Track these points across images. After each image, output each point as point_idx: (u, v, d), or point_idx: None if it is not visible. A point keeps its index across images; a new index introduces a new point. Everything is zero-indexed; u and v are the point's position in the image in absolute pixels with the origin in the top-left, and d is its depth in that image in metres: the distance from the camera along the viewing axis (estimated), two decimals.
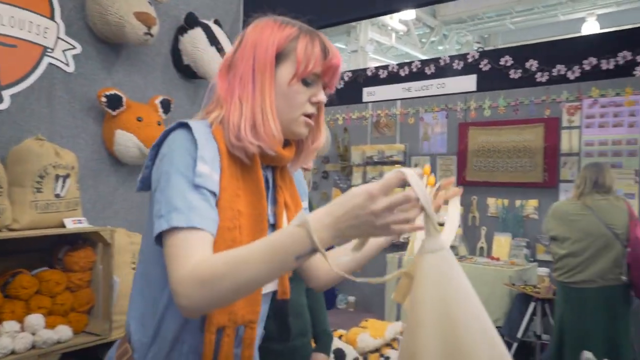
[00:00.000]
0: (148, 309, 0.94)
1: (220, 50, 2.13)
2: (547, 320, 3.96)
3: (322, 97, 0.94)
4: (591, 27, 7.43)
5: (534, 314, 3.97)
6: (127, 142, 1.99)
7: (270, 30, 0.92)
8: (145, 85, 2.20)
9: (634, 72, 2.94)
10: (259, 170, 0.93)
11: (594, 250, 3.04)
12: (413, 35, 9.80)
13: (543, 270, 4.12)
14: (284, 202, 1.00)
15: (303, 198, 1.11)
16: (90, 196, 2.05)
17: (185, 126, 0.89)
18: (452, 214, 0.92)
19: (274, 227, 0.99)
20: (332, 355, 1.70)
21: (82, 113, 1.99)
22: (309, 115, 0.94)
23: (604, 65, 3.09)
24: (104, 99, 1.94)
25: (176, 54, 2.26)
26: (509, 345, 3.98)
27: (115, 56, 2.09)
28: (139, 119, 2.01)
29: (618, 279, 3.00)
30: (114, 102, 1.94)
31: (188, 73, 2.29)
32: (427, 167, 0.88)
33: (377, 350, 2.04)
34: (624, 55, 2.99)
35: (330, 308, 5.82)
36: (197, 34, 2.16)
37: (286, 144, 0.98)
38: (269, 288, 1.00)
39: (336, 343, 1.71)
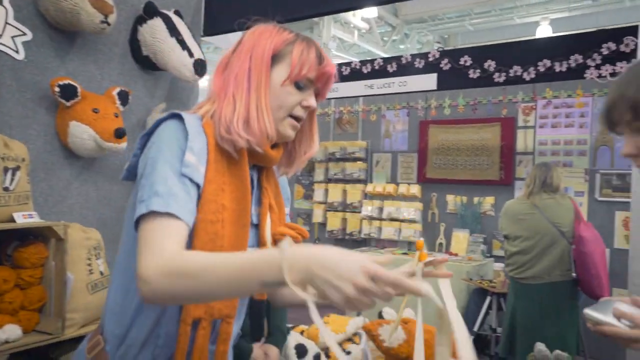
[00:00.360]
0: (125, 300, 0.94)
1: (180, 41, 2.08)
2: (502, 314, 4.08)
3: (313, 102, 0.97)
4: (545, 30, 7.69)
5: (489, 307, 4.08)
6: (82, 134, 1.91)
7: (268, 34, 0.96)
8: (101, 75, 2.12)
9: (585, 75, 3.07)
10: (245, 166, 0.94)
11: (541, 247, 3.14)
12: (375, 33, 9.88)
13: (498, 266, 4.24)
14: (269, 203, 1.01)
15: (286, 204, 1.13)
16: (43, 190, 1.96)
17: (177, 117, 0.90)
18: (448, 301, 0.92)
19: (257, 227, 1.00)
20: (293, 351, 1.70)
21: (33, 103, 1.90)
22: (296, 118, 0.97)
23: (557, 68, 3.21)
24: (57, 89, 1.85)
25: (135, 44, 2.18)
26: None
27: (70, 44, 2.00)
28: (95, 111, 1.94)
29: (565, 274, 3.12)
30: (68, 92, 1.87)
31: (147, 64, 2.22)
32: (420, 241, 0.90)
33: (338, 345, 2.04)
34: (576, 59, 3.12)
35: None
36: (157, 24, 2.10)
37: (274, 146, 1.00)
38: None
39: (297, 338, 1.71)
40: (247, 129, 0.91)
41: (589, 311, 1.02)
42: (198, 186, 0.88)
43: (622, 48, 2.85)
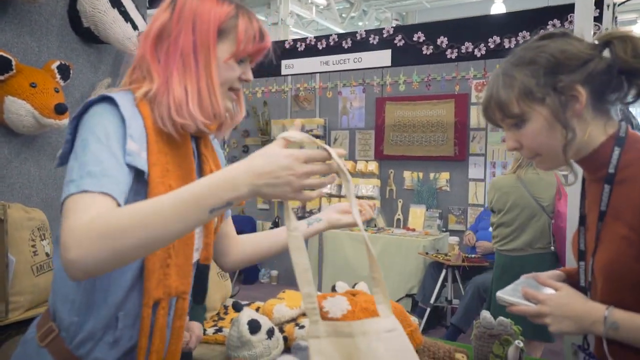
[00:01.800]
0: (78, 288, 0.91)
1: (123, 12, 1.99)
2: (457, 286, 4.21)
3: (251, 75, 0.99)
4: (498, 8, 7.81)
5: (445, 280, 4.20)
6: (18, 109, 1.82)
7: (209, 4, 0.92)
8: (39, 48, 2.02)
9: None
10: (189, 144, 0.94)
11: (522, 220, 3.24)
12: (333, 9, 9.80)
13: (453, 239, 4.36)
14: (210, 170, 1.01)
15: (223, 165, 1.12)
16: None
17: (110, 100, 0.86)
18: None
19: None
20: (246, 327, 1.69)
21: None
22: (234, 90, 0.97)
23: (507, 44, 3.27)
24: None
25: (74, 15, 2.08)
26: (422, 311, 4.21)
27: (1, 14, 1.89)
28: (33, 85, 1.84)
29: (546, 247, 3.21)
30: (1, 65, 1.77)
31: (89, 37, 2.12)
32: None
33: (293, 320, 2.05)
34: (524, 35, 3.18)
35: (252, 282, 5.82)
36: None
37: None
38: (194, 257, 1.01)
39: (250, 314, 1.70)
40: (201, 111, 0.90)
41: (500, 294, 1.08)
42: (143, 173, 0.85)
43: (566, 25, 2.93)
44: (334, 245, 4.95)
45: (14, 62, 1.81)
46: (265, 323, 1.76)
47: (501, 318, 1.71)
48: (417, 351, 1.60)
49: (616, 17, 2.82)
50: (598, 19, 2.63)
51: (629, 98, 0.99)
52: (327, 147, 0.81)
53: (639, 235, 0.91)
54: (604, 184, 0.98)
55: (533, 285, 1.08)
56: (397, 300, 4.53)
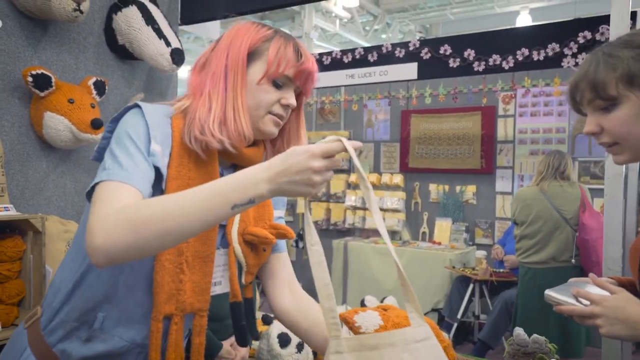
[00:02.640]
0: (68, 276, 0.94)
1: (157, 30, 2.04)
2: (485, 301, 4.15)
3: (293, 100, 0.96)
4: (524, 19, 7.75)
5: (472, 295, 4.14)
6: (57, 125, 1.88)
7: (245, 30, 0.95)
8: (76, 65, 2.08)
9: (562, 64, 3.10)
10: (215, 164, 0.95)
11: (545, 232, 3.22)
12: (357, 22, 9.85)
13: (480, 253, 4.30)
14: None
15: (279, 207, 1.15)
16: (19, 182, 1.93)
17: (137, 107, 0.90)
18: None
19: (224, 228, 1.02)
20: (276, 340, 1.70)
21: (5, 93, 1.86)
22: (277, 116, 0.96)
23: (535, 56, 3.23)
24: (30, 79, 1.81)
25: (110, 33, 2.14)
26: (449, 326, 4.15)
27: (42, 33, 1.96)
28: (71, 101, 1.90)
29: (569, 261, 3.18)
30: (42, 82, 1.83)
31: (123, 54, 2.18)
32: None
33: None
34: (553, 47, 3.15)
35: None
36: (132, 12, 2.06)
37: (253, 144, 1.00)
38: (217, 290, 1.04)
39: (280, 327, 1.71)
40: (222, 130, 0.90)
41: (549, 292, 1.06)
42: (162, 176, 0.88)
43: (598, 37, 2.89)
44: (359, 259, 4.93)
45: (53, 79, 1.87)
46: (296, 337, 1.76)
47: (535, 336, 1.68)
48: None
49: None
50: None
51: None
52: (344, 139, 0.82)
53: None
54: None
55: (583, 287, 1.05)
56: (424, 315, 4.46)
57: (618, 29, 2.04)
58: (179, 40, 2.18)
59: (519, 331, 1.70)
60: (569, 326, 3.03)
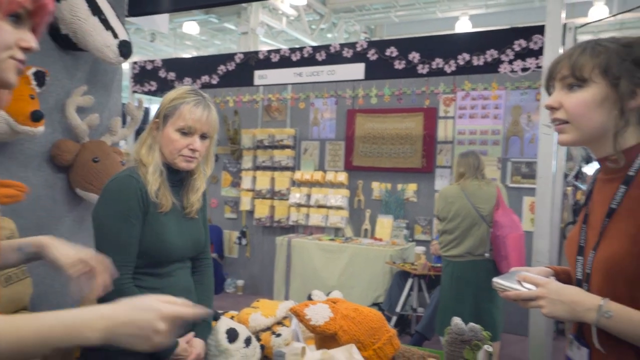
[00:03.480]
0: None
1: (103, 21, 1.99)
2: (423, 295, 4.31)
3: (34, 43, 0.80)
4: (464, 25, 8.09)
5: (411, 289, 4.29)
6: None
7: None
8: None
9: (499, 69, 3.28)
10: None
11: (463, 228, 3.45)
12: (303, 21, 9.89)
13: (419, 249, 4.46)
14: None
15: None
16: None
17: None
18: None
19: None
20: (224, 336, 1.70)
21: None
22: (19, 61, 0.81)
23: (475, 62, 3.40)
24: None
25: (52, 21, 2.06)
26: (388, 319, 4.28)
27: None
28: None
29: (484, 254, 3.40)
30: None
31: (66, 44, 2.10)
32: None
33: (268, 328, 2.07)
34: (492, 54, 3.32)
35: (218, 292, 5.76)
36: (77, 1, 1.98)
37: None
38: None
39: (228, 323, 1.71)
40: None
41: (496, 279, 1.15)
42: None
43: (532, 45, 3.08)
44: (302, 255, 4.98)
45: None
46: (243, 332, 1.78)
47: (472, 324, 1.79)
48: (393, 357, 1.66)
49: (577, 40, 2.98)
50: (562, 41, 2.79)
51: None
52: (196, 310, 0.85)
53: None
54: (621, 185, 1.04)
55: (513, 277, 1.13)
56: None
57: (551, 39, 2.19)
58: (127, 32, 2.13)
59: (456, 320, 1.79)
60: (482, 314, 3.24)
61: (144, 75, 4.73)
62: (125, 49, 2.05)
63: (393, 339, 1.39)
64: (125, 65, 2.38)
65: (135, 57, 4.81)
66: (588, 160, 4.30)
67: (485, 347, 1.70)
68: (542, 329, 1.90)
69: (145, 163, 1.50)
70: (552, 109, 1.09)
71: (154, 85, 4.68)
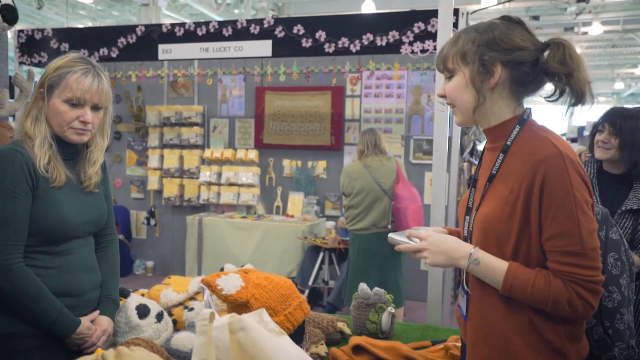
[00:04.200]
0: None
1: None
2: (334, 267, 4.48)
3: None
4: (369, 6, 8.28)
5: (322, 263, 4.44)
6: None
7: None
8: None
9: (400, 50, 3.44)
10: None
11: (367, 203, 3.63)
12: None
13: (330, 224, 4.61)
14: None
15: None
16: None
17: None
18: None
19: None
20: (134, 312, 1.68)
21: None
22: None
23: (379, 42, 3.53)
24: None
25: None
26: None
27: None
28: None
29: (387, 226, 3.60)
30: None
31: None
32: None
33: (181, 304, 2.08)
34: (393, 35, 3.47)
35: (126, 275, 5.56)
36: None
37: None
38: None
39: (138, 299, 1.70)
40: None
41: (391, 235, 1.28)
42: None
43: (429, 28, 3.26)
44: (214, 234, 4.95)
45: None
46: (155, 307, 1.77)
47: (377, 288, 1.92)
48: (304, 321, 1.74)
49: (468, 24, 3.20)
50: (455, 25, 2.99)
51: (553, 97, 1.19)
52: None
53: (515, 196, 1.12)
54: (500, 153, 1.19)
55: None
56: None
57: (444, 22, 2.34)
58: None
59: (362, 286, 1.92)
60: (387, 282, 3.48)
61: (32, 46, 4.36)
62: (9, 14, 1.90)
63: (303, 305, 1.46)
64: (9, 35, 2.20)
65: (20, 26, 4.41)
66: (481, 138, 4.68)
67: (389, 309, 1.84)
68: (440, 292, 2.11)
69: (32, 136, 1.42)
70: (441, 96, 1.27)
71: (44, 57, 4.33)
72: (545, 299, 1.11)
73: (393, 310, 1.84)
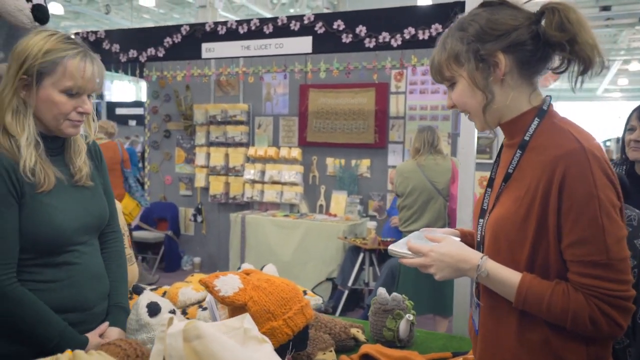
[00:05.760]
0: None
1: None
2: (375, 269, 4.36)
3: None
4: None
5: (362, 263, 4.33)
6: None
7: None
8: None
9: None
10: None
11: (421, 203, 3.51)
12: None
13: (371, 224, 4.50)
14: None
15: None
16: None
17: None
18: None
19: None
20: (145, 310, 1.66)
21: None
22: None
23: (421, 36, 3.39)
24: None
25: None
26: (341, 293, 4.33)
27: None
28: None
29: (443, 228, 3.44)
30: None
31: None
32: None
33: (198, 302, 2.06)
34: (436, 28, 3.32)
35: (175, 270, 5.71)
36: None
37: None
38: None
39: (150, 297, 1.67)
40: None
41: (391, 247, 1.16)
42: None
43: None
44: (257, 232, 4.97)
45: None
46: (166, 305, 1.74)
47: (395, 294, 1.81)
48: (312, 325, 1.66)
49: None
50: None
51: (560, 69, 1.05)
52: None
53: (531, 198, 1.00)
54: (517, 149, 1.07)
55: (421, 237, 1.17)
56: (318, 284, 4.63)
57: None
58: None
59: (380, 290, 1.82)
60: (442, 287, 3.30)
61: None
62: (39, 14, 1.94)
63: (305, 309, 1.39)
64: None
65: (90, 30, 4.62)
66: None
67: (407, 316, 1.73)
68: (467, 301, 1.98)
69: (14, 133, 1.23)
70: (452, 107, 1.15)
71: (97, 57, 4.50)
72: (563, 316, 0.98)
73: (412, 318, 1.72)
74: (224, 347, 0.81)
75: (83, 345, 1.31)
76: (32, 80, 1.25)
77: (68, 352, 0.84)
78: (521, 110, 1.09)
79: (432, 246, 1.10)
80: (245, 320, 1.05)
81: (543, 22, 1.03)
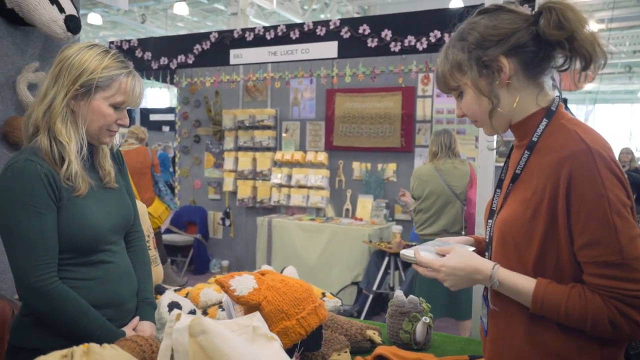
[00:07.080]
0: None
1: None
2: (400, 273, 4.34)
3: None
4: (457, 2, 7.97)
5: (387, 267, 4.32)
6: None
7: None
8: None
9: None
10: None
11: (438, 206, 3.47)
12: (295, 1, 9.80)
13: (397, 228, 4.47)
14: None
15: None
16: None
17: None
18: None
19: None
20: (166, 309, 1.71)
21: None
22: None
23: (446, 38, 3.37)
24: None
25: None
26: (366, 297, 4.32)
27: None
28: None
29: (460, 232, 3.42)
30: None
31: (13, 18, 2.08)
32: None
33: (219, 303, 2.09)
34: None
35: (203, 273, 5.81)
36: None
37: None
38: None
39: (172, 297, 1.71)
40: None
41: (403, 252, 1.16)
42: None
43: None
44: (283, 235, 5.01)
45: None
46: (187, 306, 1.78)
47: (412, 296, 1.81)
48: (328, 327, 1.68)
49: None
50: None
51: (564, 67, 1.06)
52: None
53: (538, 199, 1.00)
54: (525, 150, 1.07)
55: (431, 250, 1.16)
56: (343, 288, 4.64)
57: None
58: (75, 7, 2.11)
59: (397, 293, 1.81)
60: (458, 291, 3.27)
61: None
62: (72, 24, 2.03)
63: (319, 309, 1.40)
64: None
65: (124, 39, 4.78)
66: None
67: (424, 319, 1.72)
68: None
69: (63, 140, 1.31)
70: (462, 116, 1.16)
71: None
72: (583, 319, 0.97)
73: (428, 320, 1.72)
74: (229, 342, 0.84)
75: (120, 336, 1.36)
76: (86, 92, 1.34)
77: (83, 346, 0.88)
78: (529, 111, 1.08)
79: (442, 261, 1.10)
80: (255, 319, 1.07)
81: (541, 22, 1.03)
